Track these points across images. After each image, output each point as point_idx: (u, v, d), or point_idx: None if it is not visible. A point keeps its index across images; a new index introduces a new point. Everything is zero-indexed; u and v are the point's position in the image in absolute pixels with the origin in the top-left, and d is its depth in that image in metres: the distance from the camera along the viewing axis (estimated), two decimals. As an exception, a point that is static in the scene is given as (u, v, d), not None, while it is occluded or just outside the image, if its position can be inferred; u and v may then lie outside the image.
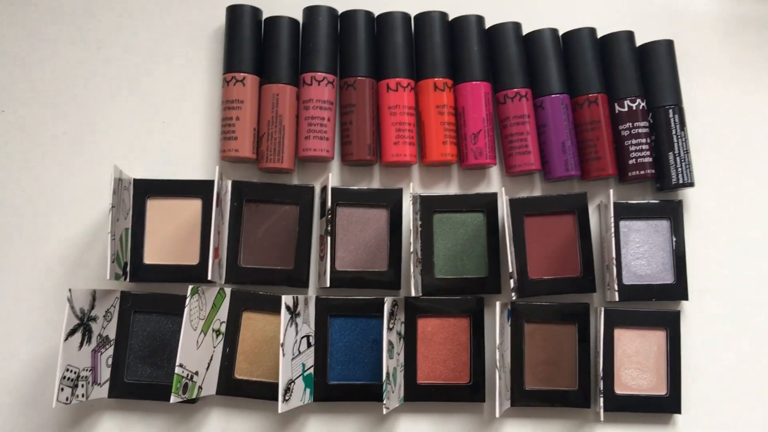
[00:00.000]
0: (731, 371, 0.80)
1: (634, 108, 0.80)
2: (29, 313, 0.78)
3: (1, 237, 0.79)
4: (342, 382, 0.77)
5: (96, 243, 0.79)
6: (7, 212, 0.80)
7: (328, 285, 0.72)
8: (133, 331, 0.76)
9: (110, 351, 0.75)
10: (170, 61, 0.83)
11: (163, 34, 0.83)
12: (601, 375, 0.73)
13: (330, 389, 0.77)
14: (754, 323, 0.81)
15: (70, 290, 0.68)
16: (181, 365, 0.68)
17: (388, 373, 0.70)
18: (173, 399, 0.67)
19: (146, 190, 0.78)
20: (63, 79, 0.82)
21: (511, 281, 0.73)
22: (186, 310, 0.68)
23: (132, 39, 0.83)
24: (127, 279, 0.77)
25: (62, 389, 0.68)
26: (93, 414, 0.77)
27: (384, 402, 0.69)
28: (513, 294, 0.74)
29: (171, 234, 0.78)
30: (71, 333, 0.69)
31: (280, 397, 0.68)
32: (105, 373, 0.75)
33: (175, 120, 0.82)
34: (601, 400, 0.73)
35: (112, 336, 0.76)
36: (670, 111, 0.80)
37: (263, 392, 0.76)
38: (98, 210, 0.80)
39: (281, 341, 0.69)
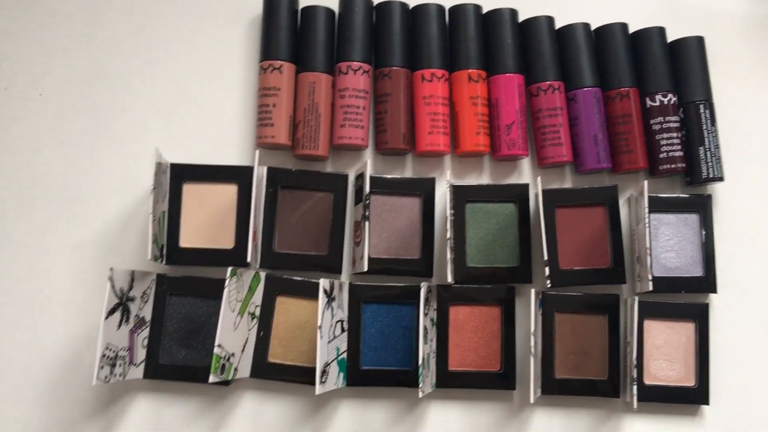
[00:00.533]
0: (759, 363, 0.80)
1: (666, 102, 0.81)
2: (68, 293, 0.79)
3: (41, 219, 0.80)
4: (374, 368, 0.78)
5: (132, 226, 0.80)
6: (47, 195, 0.81)
7: (365, 269, 0.72)
8: (168, 314, 0.77)
9: (146, 332, 0.76)
10: (208, 48, 0.84)
11: (201, 21, 0.85)
12: (635, 363, 0.74)
13: (362, 374, 0.77)
14: (782, 317, 0.82)
15: (111, 269, 0.69)
16: (219, 345, 0.69)
17: (423, 359, 0.71)
18: (212, 378, 0.68)
19: (182, 174, 0.79)
20: (100, 64, 0.83)
21: (546, 269, 0.74)
22: (225, 291, 0.69)
23: (170, 25, 0.84)
24: (164, 261, 0.77)
25: (102, 367, 0.68)
26: (128, 394, 0.77)
27: (420, 386, 0.70)
28: (548, 281, 0.74)
29: (206, 218, 0.79)
30: (111, 312, 0.69)
31: (318, 379, 0.69)
32: (141, 353, 0.75)
33: (212, 106, 0.83)
34: (635, 387, 0.73)
35: (148, 317, 0.76)
36: (701, 106, 0.81)
37: (296, 376, 0.77)
38: (135, 194, 0.81)
39: (319, 323, 0.69)
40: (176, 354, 0.77)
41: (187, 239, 0.79)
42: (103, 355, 0.68)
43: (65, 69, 0.83)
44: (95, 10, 0.84)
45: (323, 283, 0.71)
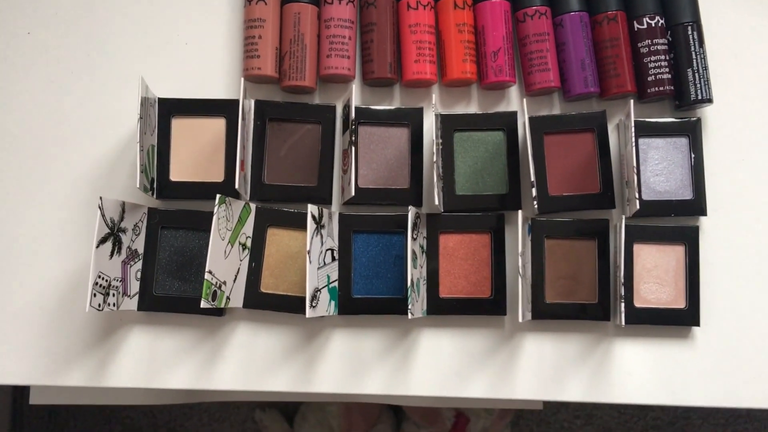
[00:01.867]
0: (749, 285, 0.81)
1: (653, 25, 0.80)
2: (60, 227, 0.80)
3: (30, 155, 0.81)
4: (366, 296, 0.78)
5: (123, 160, 0.81)
6: (34, 132, 0.81)
7: (353, 194, 0.73)
8: (161, 246, 0.78)
9: (139, 265, 0.77)
10: (192, -17, 0.84)
11: (185, -44, 0.84)
12: (622, 282, 0.74)
13: (354, 302, 0.78)
14: (772, 238, 0.82)
15: (101, 198, 0.70)
16: (210, 272, 0.69)
17: (412, 282, 0.71)
18: (203, 304, 0.69)
19: (171, 109, 0.79)
20: (86, 1, 0.83)
21: (533, 190, 0.74)
22: (214, 218, 0.70)
23: (154, -37, 0.84)
24: (155, 195, 0.78)
25: (95, 295, 0.69)
26: (123, 326, 0.78)
27: (409, 308, 0.70)
28: (535, 203, 0.75)
29: (196, 152, 0.79)
30: (102, 241, 0.70)
31: (308, 303, 0.69)
32: (134, 286, 0.76)
33: (198, 41, 0.83)
34: (623, 305, 0.74)
35: (141, 250, 0.77)
36: (689, 28, 0.80)
37: (288, 306, 0.77)
38: (123, 130, 0.81)
39: (308, 248, 0.70)
40: (169, 286, 0.78)
41: (178, 173, 0.79)
42: (96, 283, 0.69)
43: (49, 8, 0.83)
44: (78, -51, 0.84)
45: (311, 208, 0.71)
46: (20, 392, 1.52)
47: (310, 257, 0.70)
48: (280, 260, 0.78)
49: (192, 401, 1.43)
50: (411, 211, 0.72)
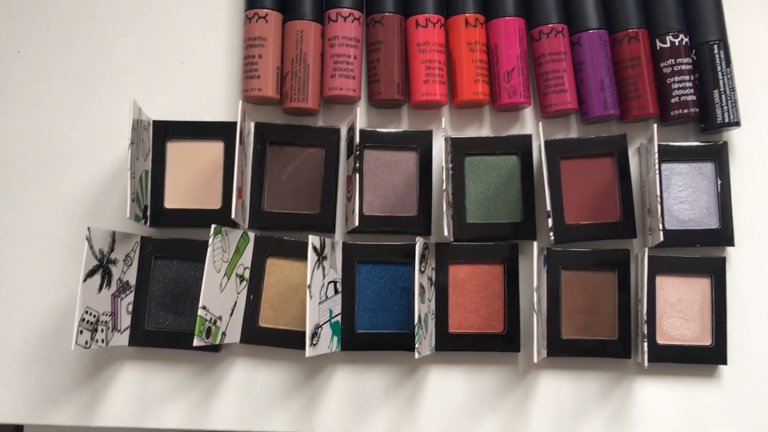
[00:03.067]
0: (780, 320, 0.76)
1: (677, 44, 0.76)
2: (47, 258, 0.76)
3: (19, 180, 0.77)
4: (370, 331, 0.74)
5: (114, 187, 0.77)
6: (24, 154, 0.77)
7: (356, 224, 0.68)
8: (154, 277, 0.74)
9: (130, 297, 0.73)
10: None
11: (183, -28, 0.80)
12: (645, 319, 0.69)
13: (358, 338, 0.74)
14: (805, 270, 0.77)
15: (89, 229, 0.65)
16: (204, 307, 0.65)
17: (419, 318, 0.67)
18: (196, 342, 0.64)
19: (166, 132, 0.75)
20: (79, 17, 0.80)
21: (549, 221, 0.70)
22: (209, 249, 0.66)
23: (150, -22, 0.80)
24: (148, 223, 0.74)
25: (81, 332, 0.65)
26: (113, 363, 0.74)
27: (416, 346, 0.66)
28: (551, 234, 0.70)
29: (192, 177, 0.75)
30: (90, 274, 0.66)
31: (308, 341, 0.65)
32: (125, 319, 0.72)
33: (196, 60, 0.79)
34: (645, 345, 0.69)
35: (132, 281, 0.73)
36: (715, 47, 0.76)
37: (289, 341, 0.73)
38: (117, 153, 0.77)
39: (308, 283, 0.66)
40: (163, 320, 0.73)
41: (173, 200, 0.75)
42: (83, 320, 0.65)
43: (41, 25, 0.79)
44: (72, -36, 0.80)
45: (312, 239, 0.67)
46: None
47: (310, 292, 0.66)
48: (280, 292, 0.74)
49: None
50: (419, 243, 0.68)
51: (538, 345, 0.68)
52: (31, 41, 0.79)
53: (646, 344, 0.69)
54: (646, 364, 0.69)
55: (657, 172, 0.70)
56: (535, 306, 0.68)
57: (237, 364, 0.74)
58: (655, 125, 0.71)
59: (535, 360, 0.66)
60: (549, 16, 0.76)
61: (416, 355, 0.66)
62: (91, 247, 0.66)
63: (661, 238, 0.69)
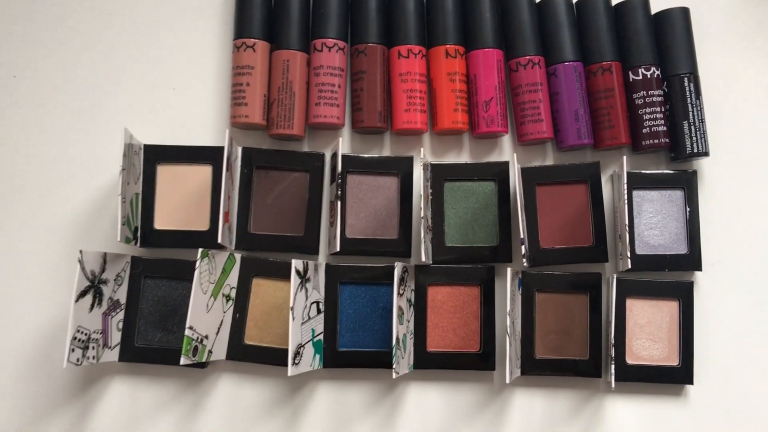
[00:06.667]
0: (745, 343, 0.79)
1: (649, 76, 0.79)
2: (39, 278, 0.78)
3: (13, 201, 0.80)
4: (351, 349, 0.77)
5: (106, 209, 0.80)
6: (18, 176, 0.80)
7: (338, 249, 0.71)
8: (144, 296, 0.77)
9: (120, 315, 0.76)
10: (181, 27, 0.83)
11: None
12: (612, 342, 0.72)
13: (339, 356, 0.77)
14: (769, 294, 0.80)
15: (81, 251, 0.68)
16: (191, 327, 0.68)
17: (397, 338, 0.70)
18: (183, 361, 0.67)
19: (156, 156, 0.78)
20: (74, 45, 0.82)
21: (522, 247, 0.73)
22: (196, 273, 0.68)
23: (143, 5, 0.83)
24: (138, 244, 0.77)
25: (73, 350, 0.68)
26: (103, 378, 0.77)
27: (393, 366, 0.69)
28: (524, 260, 0.73)
29: (181, 200, 0.78)
30: (82, 294, 0.69)
31: (290, 361, 0.68)
32: (115, 336, 0.75)
33: (186, 86, 0.82)
34: (612, 367, 0.72)
35: (123, 300, 0.76)
36: (686, 79, 0.79)
37: (273, 358, 0.76)
38: (108, 176, 0.80)
39: (291, 305, 0.69)
40: (152, 337, 0.76)
41: (162, 221, 0.78)
42: (74, 338, 0.68)
43: (38, 51, 0.82)
44: (68, -9, 0.83)
45: (295, 263, 0.70)
46: None
47: (293, 314, 0.69)
48: (265, 311, 0.77)
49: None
50: (398, 267, 0.71)
51: (511, 366, 0.71)
52: (28, 66, 0.82)
53: (613, 366, 0.72)
54: (613, 385, 0.72)
55: (626, 201, 0.73)
56: (508, 329, 0.71)
57: (223, 379, 0.77)
58: (625, 157, 0.74)
59: (507, 381, 0.69)
60: (526, 49, 0.79)
61: (394, 375, 0.69)
62: (83, 269, 0.69)
63: (629, 266, 0.72)
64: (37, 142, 0.81)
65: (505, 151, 0.82)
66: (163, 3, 0.83)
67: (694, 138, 0.78)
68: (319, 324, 0.76)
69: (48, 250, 0.79)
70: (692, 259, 0.78)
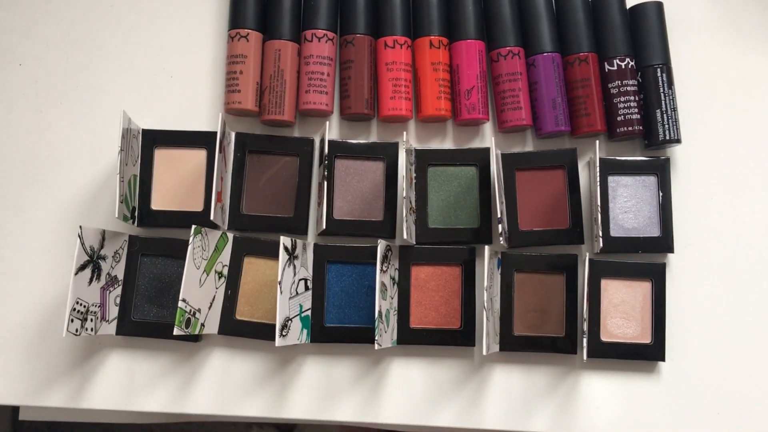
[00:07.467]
0: (714, 321, 0.82)
1: (623, 67, 0.83)
2: (41, 254, 0.82)
3: (18, 182, 0.84)
4: (338, 325, 0.81)
5: (105, 189, 0.84)
6: (24, 159, 0.84)
7: (324, 227, 0.75)
8: (140, 273, 0.81)
9: (118, 291, 0.79)
10: (179, 18, 0.87)
11: (173, -7, 0.88)
12: (585, 318, 0.76)
13: (326, 331, 0.80)
14: (737, 276, 0.83)
15: (80, 227, 0.72)
16: (184, 300, 0.72)
17: (380, 312, 0.74)
18: (176, 331, 0.71)
19: (154, 139, 0.82)
20: (75, 35, 0.87)
21: (500, 226, 0.77)
22: (189, 247, 0.72)
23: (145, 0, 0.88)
24: (135, 223, 0.81)
25: (72, 320, 0.72)
26: (102, 350, 0.81)
27: (376, 338, 0.73)
28: (501, 239, 0.77)
29: (177, 182, 0.82)
30: (81, 268, 0.73)
31: (278, 332, 0.72)
32: (113, 311, 0.79)
33: (183, 75, 0.86)
34: (585, 340, 0.76)
35: (120, 276, 0.80)
36: (658, 70, 0.83)
37: (263, 333, 0.79)
38: (108, 159, 0.84)
39: (279, 279, 0.72)
40: (148, 311, 0.80)
41: (159, 202, 0.82)
42: (74, 309, 0.72)
43: (41, 40, 0.86)
44: (71, -16, 0.88)
45: (284, 240, 0.73)
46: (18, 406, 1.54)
47: (281, 288, 0.73)
48: (256, 288, 0.81)
49: (183, 420, 1.45)
50: (381, 245, 0.74)
51: (488, 340, 0.75)
52: (33, 55, 0.86)
53: (585, 340, 0.76)
54: (585, 357, 0.76)
55: (598, 185, 0.76)
56: (486, 304, 0.74)
57: (215, 353, 0.81)
58: (597, 141, 0.77)
59: (484, 353, 0.73)
60: (507, 40, 0.83)
61: (376, 347, 0.72)
62: (82, 243, 0.73)
63: (601, 245, 0.76)
64: (43, 126, 0.85)
65: (487, 138, 0.86)
66: (162, -5, 0.87)
67: (667, 126, 0.82)
68: (306, 300, 0.79)
69: (51, 228, 0.83)
70: (665, 242, 0.82)
